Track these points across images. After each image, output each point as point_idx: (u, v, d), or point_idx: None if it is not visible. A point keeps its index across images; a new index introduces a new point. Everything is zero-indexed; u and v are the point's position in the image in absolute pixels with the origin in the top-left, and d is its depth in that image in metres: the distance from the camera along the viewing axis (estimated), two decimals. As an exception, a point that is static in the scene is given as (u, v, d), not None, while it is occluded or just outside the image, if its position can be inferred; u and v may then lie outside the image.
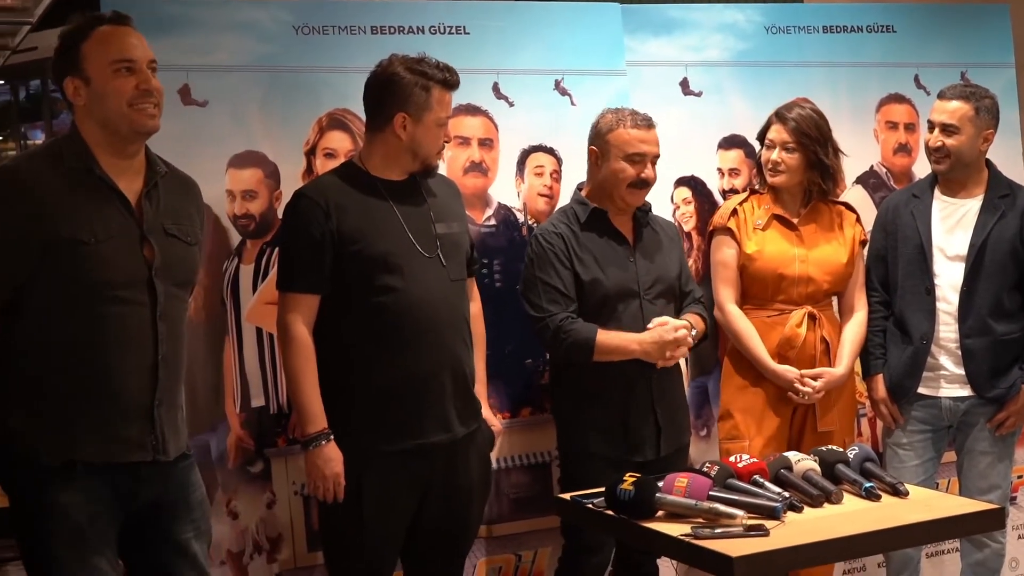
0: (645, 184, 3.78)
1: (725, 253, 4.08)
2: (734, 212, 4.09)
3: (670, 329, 3.72)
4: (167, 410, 2.98)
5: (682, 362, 4.15)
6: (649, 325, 3.74)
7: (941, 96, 4.11)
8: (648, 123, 3.78)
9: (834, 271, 4.09)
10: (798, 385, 3.99)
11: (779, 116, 4.05)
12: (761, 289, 4.06)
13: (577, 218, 3.80)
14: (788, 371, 3.99)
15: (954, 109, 4.05)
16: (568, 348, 3.71)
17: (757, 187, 4.16)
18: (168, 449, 2.97)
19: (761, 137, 4.10)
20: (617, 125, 3.76)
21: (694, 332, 3.80)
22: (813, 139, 4.01)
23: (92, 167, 2.91)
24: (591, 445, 3.76)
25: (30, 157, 3.03)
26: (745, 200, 4.12)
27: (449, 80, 3.42)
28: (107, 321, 2.88)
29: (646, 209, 3.89)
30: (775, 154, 4.03)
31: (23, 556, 2.95)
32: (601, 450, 3.74)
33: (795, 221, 4.08)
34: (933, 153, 4.10)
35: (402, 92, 3.37)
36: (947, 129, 4.05)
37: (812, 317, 4.03)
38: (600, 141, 3.80)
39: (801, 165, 4.03)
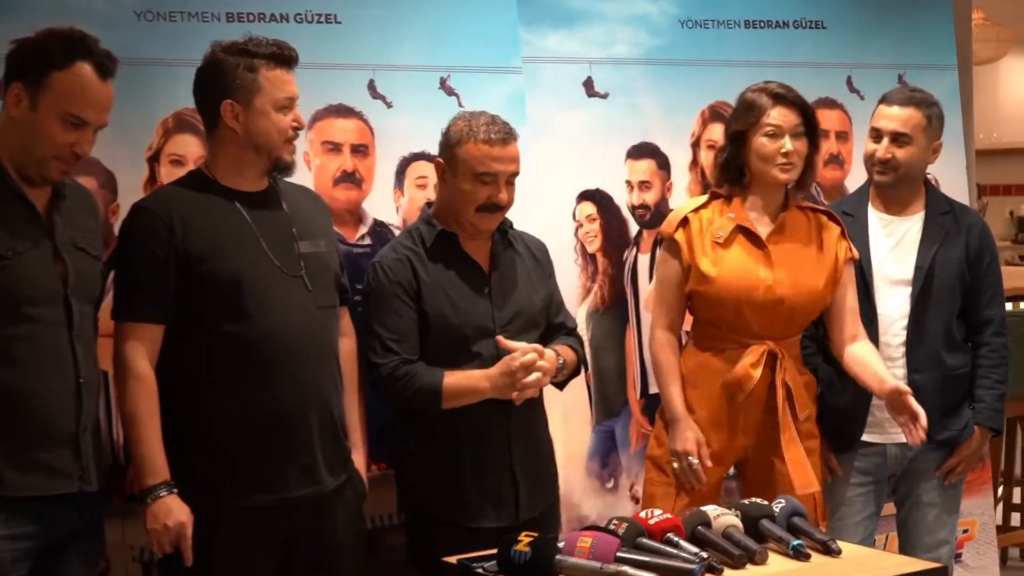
0: (497, 208, 3.53)
1: (666, 269, 3.69)
2: (685, 221, 3.64)
3: (517, 354, 3.43)
4: (91, 437, 3.04)
5: (584, 403, 4.12)
6: None
7: (888, 101, 3.91)
8: (505, 137, 3.51)
9: (808, 299, 3.63)
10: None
11: (776, 97, 3.58)
12: (716, 318, 3.61)
13: (423, 241, 3.56)
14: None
15: (907, 117, 3.84)
16: (412, 396, 3.49)
17: (722, 191, 3.67)
18: (92, 479, 3.03)
19: (736, 132, 3.61)
20: (467, 138, 3.51)
21: (562, 361, 3.53)
22: (813, 118, 3.63)
23: (4, 177, 2.96)
24: (432, 508, 3.54)
25: None
26: (704, 206, 3.67)
27: (279, 54, 3.25)
28: (21, 342, 2.91)
29: (506, 228, 3.65)
30: (787, 143, 3.55)
31: None
32: (442, 515, 3.52)
33: (764, 236, 3.61)
34: (879, 164, 3.87)
35: (224, 77, 3.23)
36: (899, 139, 3.85)
37: (773, 356, 3.58)
38: (447, 154, 3.55)
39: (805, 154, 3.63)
